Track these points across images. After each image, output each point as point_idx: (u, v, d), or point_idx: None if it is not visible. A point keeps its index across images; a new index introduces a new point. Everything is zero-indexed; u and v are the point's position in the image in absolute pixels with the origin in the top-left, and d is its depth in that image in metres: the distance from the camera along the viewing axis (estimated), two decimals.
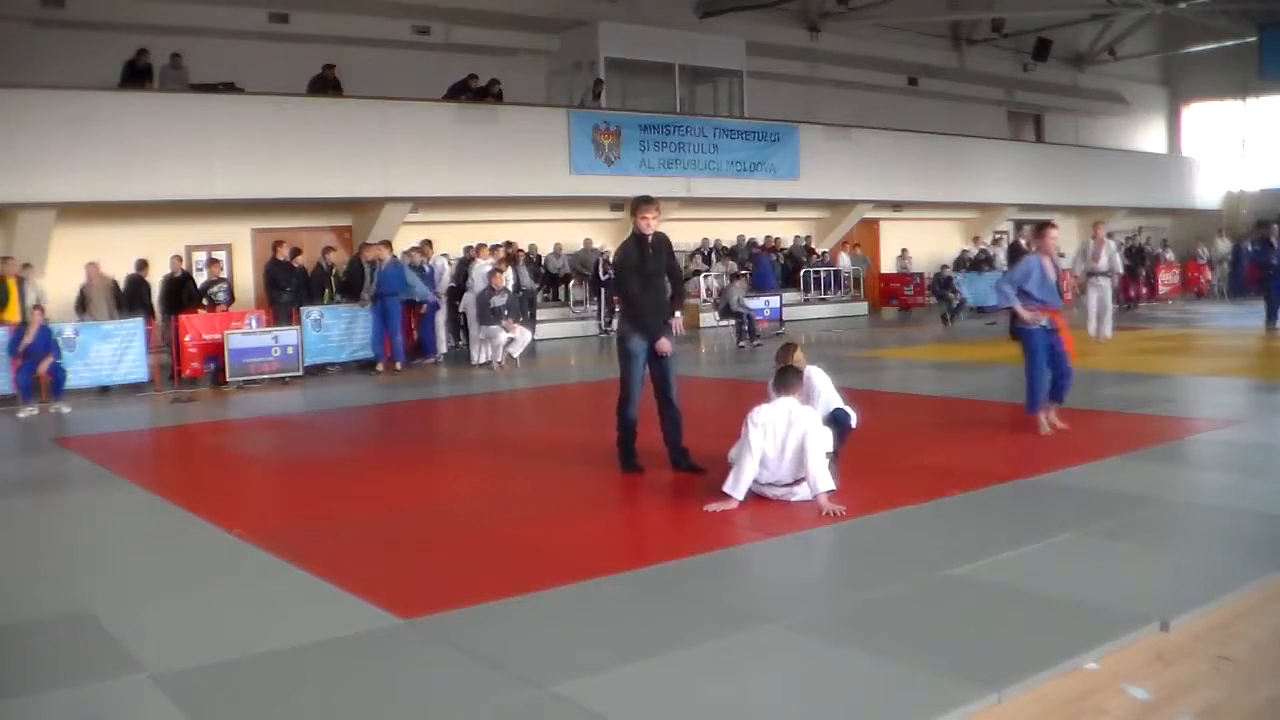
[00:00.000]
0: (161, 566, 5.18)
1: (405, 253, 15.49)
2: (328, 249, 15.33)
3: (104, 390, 12.43)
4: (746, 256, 21.17)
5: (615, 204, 19.93)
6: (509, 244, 16.42)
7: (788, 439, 5.68)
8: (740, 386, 10.87)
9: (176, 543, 5.64)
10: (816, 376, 6.56)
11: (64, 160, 13.61)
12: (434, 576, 4.78)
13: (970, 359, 13.14)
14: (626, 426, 6.84)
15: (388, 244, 14.54)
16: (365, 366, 14.11)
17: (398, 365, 13.96)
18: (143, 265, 14.11)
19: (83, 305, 13.26)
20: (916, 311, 22.25)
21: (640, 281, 6.69)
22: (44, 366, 11.11)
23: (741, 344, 15.71)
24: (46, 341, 11.32)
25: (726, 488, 5.70)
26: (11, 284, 12.28)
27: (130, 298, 13.68)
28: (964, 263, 22.99)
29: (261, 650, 3.85)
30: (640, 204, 6.76)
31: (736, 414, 6.06)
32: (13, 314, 12.18)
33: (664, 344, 6.68)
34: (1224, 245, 27.12)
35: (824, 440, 5.80)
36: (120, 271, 13.76)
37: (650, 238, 6.77)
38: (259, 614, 4.31)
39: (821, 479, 5.63)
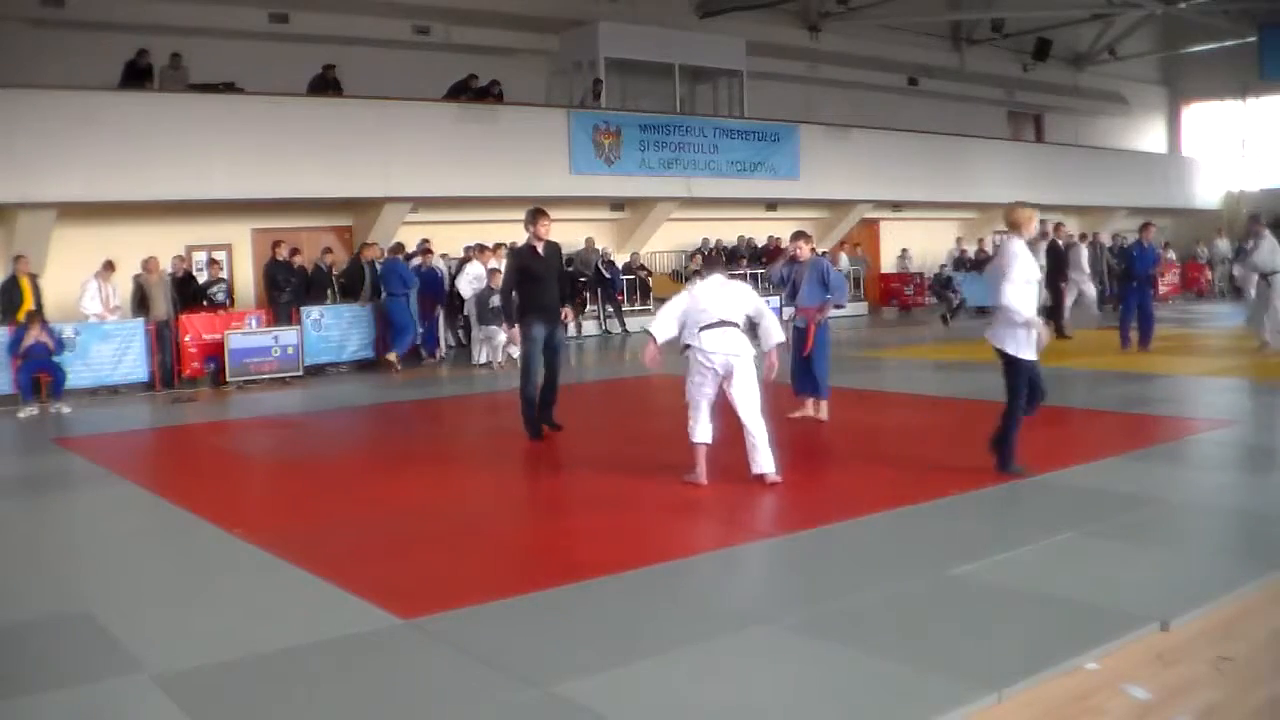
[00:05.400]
0: (161, 566, 5.19)
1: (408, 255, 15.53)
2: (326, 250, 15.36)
3: (111, 391, 12.41)
4: (751, 256, 21.13)
5: (615, 204, 19.95)
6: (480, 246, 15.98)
7: (727, 297, 6.09)
8: None
9: (176, 543, 5.64)
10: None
11: (64, 160, 13.56)
12: (434, 576, 4.78)
13: (970, 359, 13.12)
14: (526, 400, 7.90)
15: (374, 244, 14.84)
16: (366, 366, 14.15)
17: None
18: (180, 262, 14.25)
19: (141, 301, 13.20)
20: (917, 311, 22.24)
21: (528, 282, 7.74)
22: (39, 338, 11.11)
23: None
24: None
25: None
26: (25, 283, 12.24)
27: (181, 295, 13.71)
28: (964, 263, 22.98)
29: (261, 650, 3.85)
30: (537, 215, 7.83)
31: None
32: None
33: (565, 312, 8.06)
34: (1224, 245, 27.13)
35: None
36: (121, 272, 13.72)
37: (542, 246, 7.80)
38: (259, 614, 4.31)
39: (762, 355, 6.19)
